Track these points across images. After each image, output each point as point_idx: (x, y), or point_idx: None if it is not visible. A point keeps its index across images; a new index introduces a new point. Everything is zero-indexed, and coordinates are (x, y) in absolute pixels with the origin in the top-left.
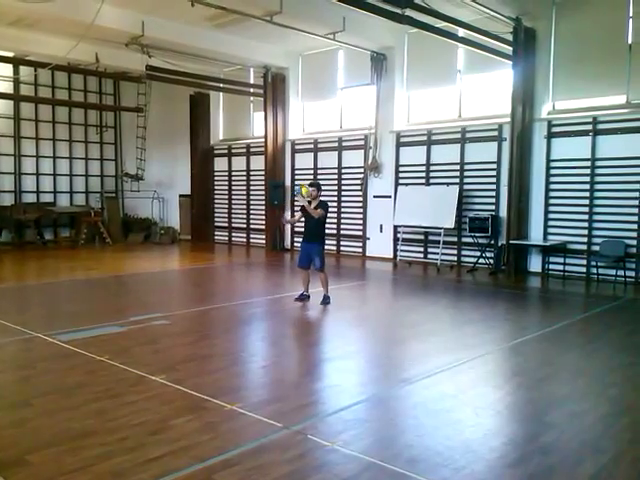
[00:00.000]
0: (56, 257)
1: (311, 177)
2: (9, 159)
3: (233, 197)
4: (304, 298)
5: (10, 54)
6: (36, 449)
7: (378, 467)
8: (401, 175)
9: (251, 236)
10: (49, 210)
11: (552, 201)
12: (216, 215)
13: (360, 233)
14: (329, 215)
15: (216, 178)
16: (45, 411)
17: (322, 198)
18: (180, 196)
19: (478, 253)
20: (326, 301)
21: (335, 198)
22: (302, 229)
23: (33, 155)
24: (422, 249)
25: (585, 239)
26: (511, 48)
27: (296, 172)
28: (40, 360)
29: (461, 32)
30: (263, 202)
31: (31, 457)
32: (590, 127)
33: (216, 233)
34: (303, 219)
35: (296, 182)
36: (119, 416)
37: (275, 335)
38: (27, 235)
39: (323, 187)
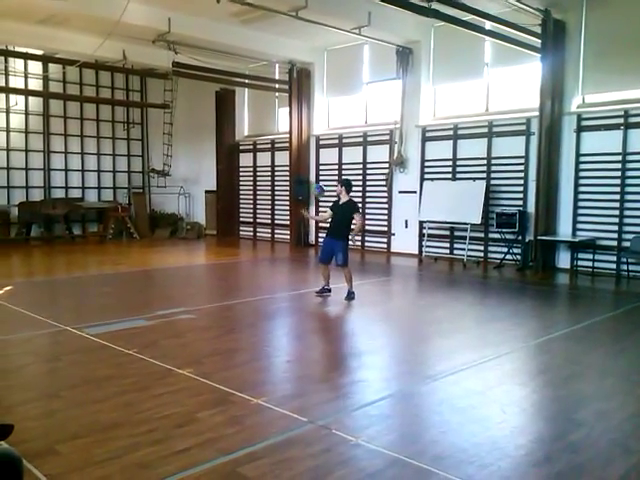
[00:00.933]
0: (84, 252)
1: (336, 172)
2: (39, 155)
3: (258, 193)
4: (325, 292)
5: (39, 52)
6: (65, 439)
7: (403, 463)
8: (427, 170)
9: (276, 231)
10: (77, 205)
11: (581, 196)
12: (241, 211)
13: (385, 229)
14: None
15: (241, 174)
16: (74, 403)
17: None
18: (206, 192)
19: (505, 249)
20: (351, 297)
21: (360, 194)
22: (326, 224)
23: (62, 151)
24: (448, 245)
25: (615, 235)
26: (540, 41)
27: (321, 167)
28: (69, 353)
29: (488, 25)
30: (288, 198)
31: (60, 447)
32: (621, 120)
33: (241, 228)
34: (330, 217)
35: (319, 182)
36: (146, 408)
37: (299, 330)
38: (56, 230)
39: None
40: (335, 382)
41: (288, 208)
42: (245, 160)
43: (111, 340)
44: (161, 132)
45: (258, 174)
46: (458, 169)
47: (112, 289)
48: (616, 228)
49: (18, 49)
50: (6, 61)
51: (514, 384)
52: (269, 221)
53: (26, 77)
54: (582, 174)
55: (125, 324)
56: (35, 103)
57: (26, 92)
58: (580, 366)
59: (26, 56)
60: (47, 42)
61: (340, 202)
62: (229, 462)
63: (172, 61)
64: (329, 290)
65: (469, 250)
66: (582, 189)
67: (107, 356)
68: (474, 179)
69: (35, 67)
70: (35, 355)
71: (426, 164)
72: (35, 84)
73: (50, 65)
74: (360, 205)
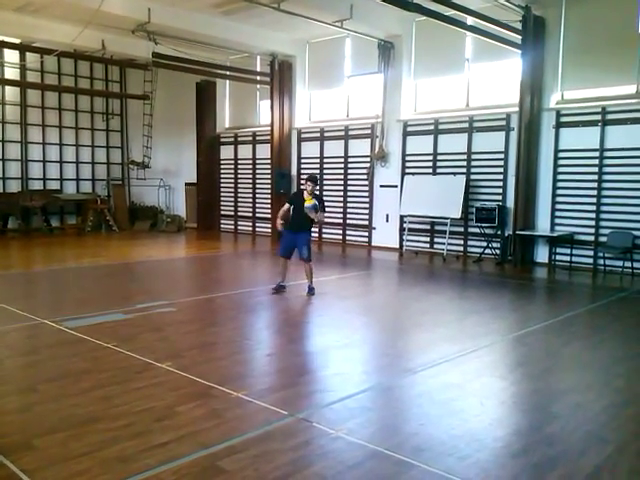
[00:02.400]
0: (62, 244)
1: (317, 166)
2: (16, 146)
3: (239, 186)
4: (280, 289)
5: (16, 40)
6: (42, 434)
7: (383, 455)
8: (408, 164)
9: (257, 225)
10: (56, 197)
11: (559, 192)
12: (222, 204)
13: (366, 223)
14: (330, 204)
15: (222, 166)
16: (51, 397)
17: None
18: (186, 184)
19: (484, 243)
20: (311, 292)
21: (341, 187)
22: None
23: (40, 142)
24: (428, 239)
25: (592, 230)
26: (520, 37)
27: (302, 161)
28: (46, 346)
29: (470, 20)
30: (269, 191)
31: (37, 442)
32: (599, 117)
33: (222, 222)
34: (292, 210)
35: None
36: (125, 402)
37: (280, 323)
38: (34, 222)
39: (330, 175)
40: (315, 375)
41: (269, 201)
42: (226, 153)
43: (89, 333)
44: (141, 123)
45: (239, 167)
46: (439, 164)
47: (91, 282)
48: (593, 223)
49: None
50: None
51: (493, 377)
52: (250, 214)
53: (3, 66)
54: (560, 170)
55: (104, 317)
56: (12, 93)
57: (3, 82)
58: (558, 358)
59: (3, 44)
60: (25, 30)
61: (304, 196)
62: (209, 455)
63: (152, 52)
64: (284, 287)
65: (449, 244)
66: (560, 184)
67: (85, 349)
68: (454, 174)
69: (12, 56)
70: (11, 349)
71: (407, 158)
72: (12, 73)
73: (28, 54)
74: (342, 199)
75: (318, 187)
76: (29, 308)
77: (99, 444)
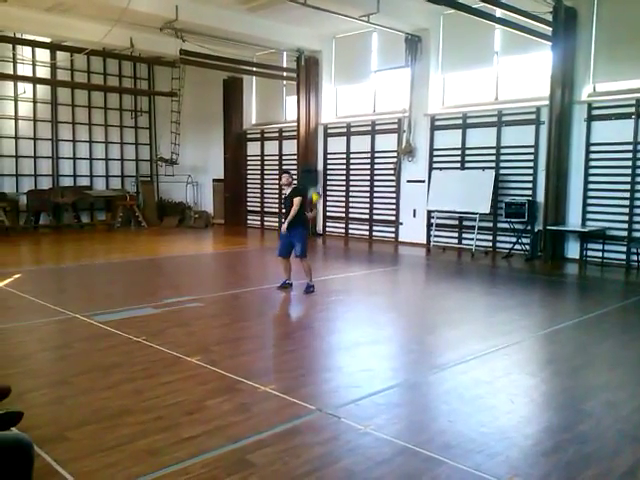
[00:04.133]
0: (92, 240)
1: (344, 161)
2: (47, 143)
3: (265, 182)
4: (286, 286)
5: (47, 40)
6: (75, 426)
7: (411, 451)
8: (435, 159)
9: (283, 221)
10: (86, 194)
11: (591, 186)
12: (249, 200)
13: (393, 218)
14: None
15: (249, 162)
16: (82, 390)
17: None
18: (214, 180)
19: (514, 239)
20: (309, 290)
21: (368, 183)
22: (333, 213)
23: (70, 140)
24: (456, 235)
25: (625, 225)
26: (550, 29)
27: (328, 156)
28: (78, 340)
29: (499, 12)
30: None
31: (70, 433)
32: (632, 110)
33: (249, 217)
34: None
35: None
36: (155, 396)
37: (307, 319)
38: (64, 218)
39: (357, 171)
40: (343, 371)
41: None
42: (253, 149)
43: (119, 328)
44: (169, 120)
45: (266, 163)
46: (467, 158)
47: (120, 277)
48: (626, 218)
49: (26, 37)
50: (14, 49)
51: (522, 374)
52: (277, 210)
53: (34, 65)
54: (592, 164)
55: (133, 312)
56: (43, 91)
57: (34, 80)
58: (589, 356)
59: (34, 44)
60: (55, 30)
61: (287, 191)
62: (237, 449)
63: (179, 49)
64: (290, 284)
65: (477, 240)
66: (592, 179)
67: (115, 343)
68: (483, 168)
69: (43, 55)
70: (44, 342)
71: (435, 153)
72: (43, 72)
73: (58, 53)
74: (368, 194)
75: (292, 179)
76: (60, 302)
77: (130, 437)
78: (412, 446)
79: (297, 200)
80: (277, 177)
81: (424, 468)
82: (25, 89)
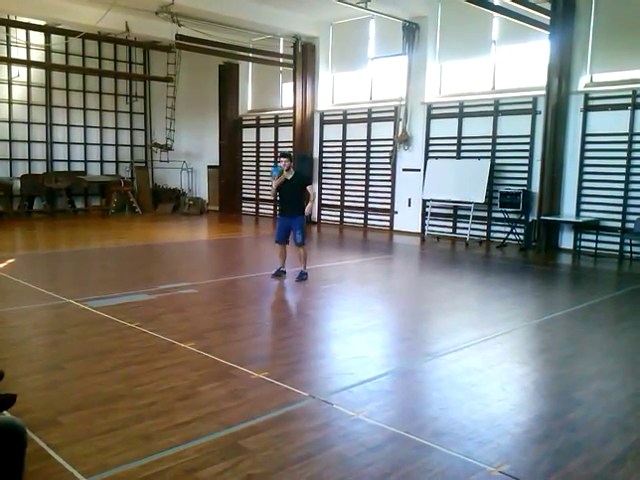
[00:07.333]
0: (87, 225)
1: (340, 149)
2: (41, 128)
3: (261, 168)
4: (280, 274)
5: (42, 22)
6: (68, 411)
7: (403, 438)
8: (431, 148)
9: (278, 208)
10: (80, 179)
11: (586, 177)
12: (244, 186)
13: (388, 207)
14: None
15: (244, 149)
16: (76, 375)
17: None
18: (209, 167)
19: (508, 229)
20: (302, 277)
21: (363, 171)
22: (328, 201)
23: (64, 124)
24: (451, 224)
25: (619, 216)
26: (549, 18)
27: (324, 144)
28: (72, 325)
29: (497, 1)
30: None
31: (63, 418)
32: (629, 100)
33: (244, 204)
34: (279, 195)
35: (277, 163)
36: (148, 381)
37: (301, 306)
38: (58, 203)
39: (353, 159)
40: (336, 358)
41: None
42: (248, 135)
43: (113, 313)
44: (164, 106)
45: (261, 150)
46: (463, 147)
47: (114, 263)
48: (620, 209)
49: (20, 19)
50: (7, 31)
51: (515, 362)
52: (271, 197)
53: (28, 48)
54: (587, 154)
55: (128, 298)
56: (37, 75)
57: (28, 63)
58: (581, 345)
59: (28, 26)
60: (49, 12)
61: (289, 177)
62: (230, 435)
63: (175, 34)
64: (284, 272)
65: (472, 229)
66: (587, 169)
67: (110, 329)
68: (479, 158)
69: (37, 38)
70: (38, 327)
71: (431, 142)
72: (37, 55)
73: (52, 36)
74: (364, 182)
75: (291, 163)
76: (54, 288)
77: (123, 422)
78: (404, 433)
79: (310, 188)
80: (273, 164)
81: (416, 455)
82: (19, 72)
